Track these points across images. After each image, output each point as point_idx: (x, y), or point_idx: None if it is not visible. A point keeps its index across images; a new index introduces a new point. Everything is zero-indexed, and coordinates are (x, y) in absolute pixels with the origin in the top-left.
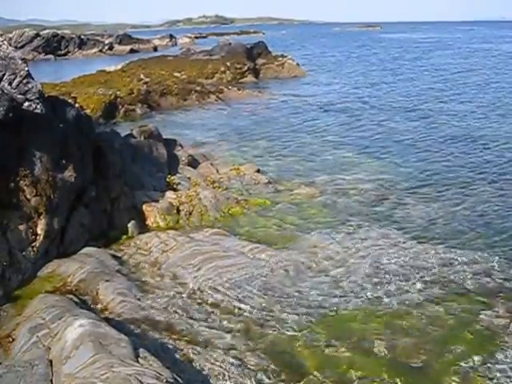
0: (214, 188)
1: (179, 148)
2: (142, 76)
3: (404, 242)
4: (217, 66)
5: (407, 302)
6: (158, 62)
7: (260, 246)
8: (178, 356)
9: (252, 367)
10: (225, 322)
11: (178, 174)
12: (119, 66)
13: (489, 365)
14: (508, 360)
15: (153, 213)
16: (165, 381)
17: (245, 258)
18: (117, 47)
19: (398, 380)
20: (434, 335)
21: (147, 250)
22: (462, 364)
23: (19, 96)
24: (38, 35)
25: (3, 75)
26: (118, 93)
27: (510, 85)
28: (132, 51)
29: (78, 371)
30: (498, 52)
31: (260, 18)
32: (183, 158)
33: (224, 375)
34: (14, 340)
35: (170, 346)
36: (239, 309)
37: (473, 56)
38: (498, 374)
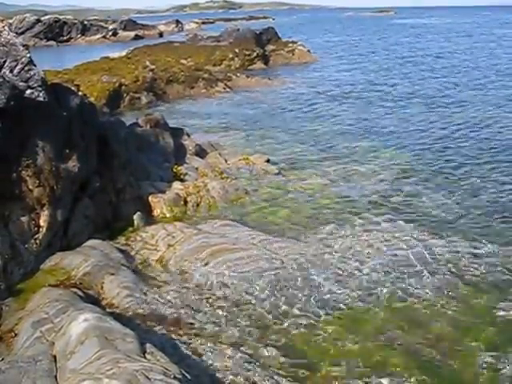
0: (222, 179)
1: (186, 137)
2: (147, 63)
3: (419, 234)
4: (225, 52)
5: (423, 295)
6: (164, 49)
7: (270, 238)
8: (186, 351)
9: (263, 362)
10: (234, 317)
11: (185, 164)
12: (123, 53)
13: (506, 358)
14: None
15: (159, 204)
16: (172, 376)
17: (254, 251)
18: (121, 33)
19: (414, 373)
20: (451, 328)
21: (153, 243)
22: (479, 357)
23: (21, 83)
24: (39, 21)
25: (4, 62)
26: (123, 80)
27: None
28: (137, 37)
29: (83, 367)
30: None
31: (270, 3)
32: (190, 148)
33: (234, 371)
34: (16, 335)
35: (178, 342)
36: (249, 303)
37: (489, 41)
38: None
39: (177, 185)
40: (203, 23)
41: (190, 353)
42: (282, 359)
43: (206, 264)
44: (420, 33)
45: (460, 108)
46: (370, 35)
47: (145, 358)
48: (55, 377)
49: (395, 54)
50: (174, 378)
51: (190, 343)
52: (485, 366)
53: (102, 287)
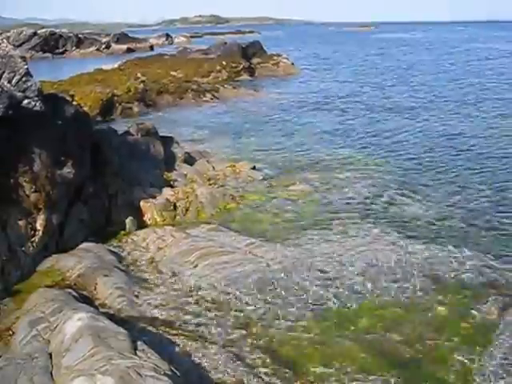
0: (210, 185)
1: (176, 145)
2: (138, 74)
3: (398, 239)
4: (213, 64)
5: (401, 298)
6: (155, 61)
7: (256, 242)
8: (175, 351)
9: (249, 362)
10: (222, 319)
11: (174, 171)
12: (116, 65)
13: (481, 358)
14: (500, 353)
15: (150, 209)
16: (163, 373)
17: (241, 254)
18: (114, 46)
19: (393, 373)
20: (427, 329)
21: (144, 246)
22: (456, 357)
23: (19, 93)
24: (35, 34)
25: (3, 73)
26: (115, 91)
27: (498, 83)
28: (129, 50)
29: (78, 364)
30: (484, 51)
31: (256, 18)
32: (180, 155)
33: (220, 370)
34: (14, 333)
35: (168, 342)
36: (236, 305)
37: (461, 54)
38: (491, 367)
39: (167, 190)
40: (192, 37)
41: (179, 352)
42: (267, 359)
43: (195, 267)
44: (396, 46)
45: (434, 117)
46: (351, 49)
47: (136, 355)
48: (51, 373)
49: (374, 66)
50: (164, 374)
51: (179, 343)
52: (461, 365)
53: (95, 288)
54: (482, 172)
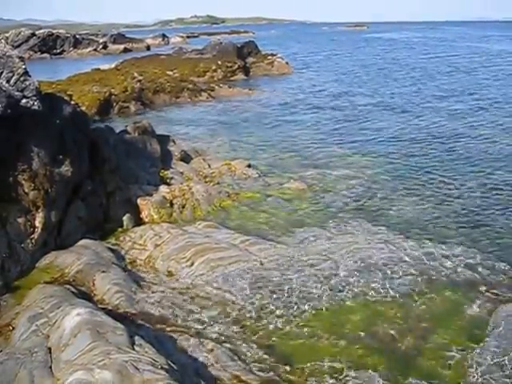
0: (206, 182)
1: (172, 144)
2: (135, 74)
3: (390, 237)
4: (208, 64)
5: (394, 295)
6: (151, 61)
7: (250, 239)
8: (172, 346)
9: (245, 358)
10: (217, 315)
11: (171, 169)
12: (113, 65)
13: (472, 353)
14: (491, 348)
15: (147, 206)
16: (160, 367)
17: (236, 251)
18: (111, 46)
19: (386, 367)
20: (420, 325)
21: (142, 243)
22: (447, 352)
23: (17, 93)
24: (34, 35)
25: (1, 73)
26: (113, 90)
27: (488, 81)
28: (126, 50)
29: (76, 358)
30: (473, 50)
31: (250, 18)
32: (176, 154)
33: (216, 365)
34: (14, 328)
35: (165, 337)
36: (232, 302)
37: (452, 53)
38: (481, 361)
39: (163, 188)
40: (188, 37)
41: (175, 347)
42: (263, 355)
43: (191, 263)
44: (387, 46)
45: (427, 116)
46: (343, 48)
47: (134, 349)
48: (50, 367)
49: (365, 65)
50: (161, 368)
51: (175, 338)
52: (452, 360)
53: (93, 284)
54: (473, 171)
